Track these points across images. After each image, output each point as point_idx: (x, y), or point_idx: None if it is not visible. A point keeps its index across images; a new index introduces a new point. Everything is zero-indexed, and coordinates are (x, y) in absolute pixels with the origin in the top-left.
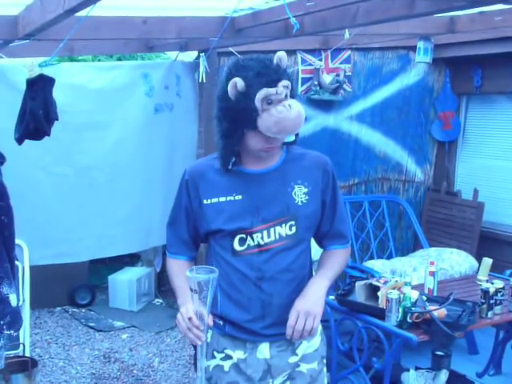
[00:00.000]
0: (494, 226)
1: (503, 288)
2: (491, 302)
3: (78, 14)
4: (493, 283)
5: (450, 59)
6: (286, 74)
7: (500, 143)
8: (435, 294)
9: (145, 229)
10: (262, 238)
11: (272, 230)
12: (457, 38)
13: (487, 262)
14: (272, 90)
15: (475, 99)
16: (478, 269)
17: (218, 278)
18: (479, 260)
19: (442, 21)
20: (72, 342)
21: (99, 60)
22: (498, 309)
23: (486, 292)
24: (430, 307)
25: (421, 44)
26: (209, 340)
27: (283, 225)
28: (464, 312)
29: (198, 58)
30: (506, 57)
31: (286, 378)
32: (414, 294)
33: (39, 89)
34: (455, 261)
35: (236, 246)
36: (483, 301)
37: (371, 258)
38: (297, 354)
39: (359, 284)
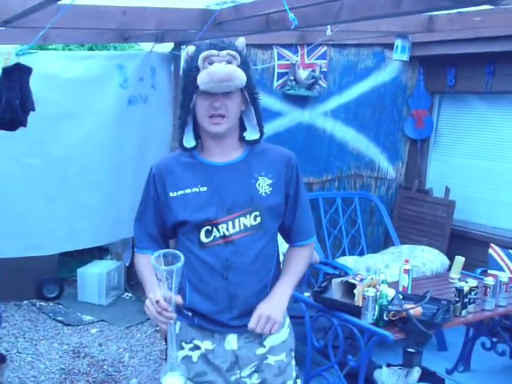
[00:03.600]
0: (465, 224)
1: (477, 287)
2: (465, 300)
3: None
4: (466, 282)
5: (424, 57)
6: (237, 50)
7: (472, 142)
8: (410, 292)
9: (114, 221)
10: (227, 228)
11: (237, 220)
12: (432, 37)
13: (460, 260)
14: (214, 52)
15: (448, 98)
16: (450, 267)
17: (183, 266)
18: (450, 258)
19: (421, 19)
20: (40, 337)
21: (70, 49)
22: (471, 307)
23: (460, 291)
24: (407, 305)
25: (398, 42)
26: (177, 331)
27: (248, 216)
28: (439, 310)
29: (174, 49)
30: (479, 57)
31: (253, 369)
32: (391, 292)
33: (16, 78)
34: (427, 258)
35: (202, 238)
36: (457, 299)
37: (343, 254)
38: (264, 346)
39: (335, 281)
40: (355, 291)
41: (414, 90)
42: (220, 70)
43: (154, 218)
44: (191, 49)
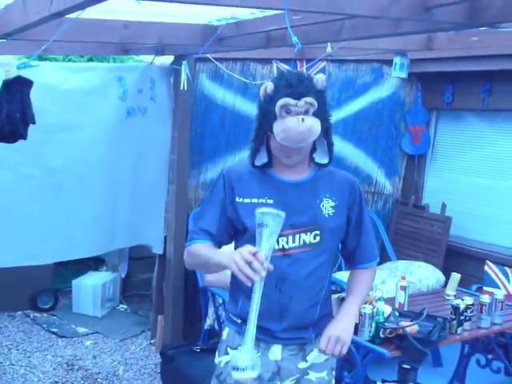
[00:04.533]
0: (461, 240)
1: (473, 304)
2: (461, 318)
3: None
4: (462, 299)
5: (422, 74)
6: (316, 93)
7: (468, 159)
8: (406, 309)
9: (110, 231)
10: (286, 242)
11: (297, 236)
12: (430, 55)
13: (456, 277)
14: (292, 101)
15: (445, 115)
16: (445, 283)
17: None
18: (446, 274)
19: (420, 38)
20: (33, 348)
21: (69, 60)
22: (467, 325)
23: (456, 308)
24: (403, 323)
25: (397, 59)
26: (225, 337)
27: (308, 233)
28: (435, 328)
29: (174, 62)
30: (477, 75)
31: (293, 382)
32: (387, 309)
33: (16, 91)
34: (423, 274)
35: None
36: (453, 317)
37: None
38: (307, 361)
39: (333, 297)
40: None
41: (412, 106)
42: (295, 129)
43: (218, 217)
44: (269, 87)
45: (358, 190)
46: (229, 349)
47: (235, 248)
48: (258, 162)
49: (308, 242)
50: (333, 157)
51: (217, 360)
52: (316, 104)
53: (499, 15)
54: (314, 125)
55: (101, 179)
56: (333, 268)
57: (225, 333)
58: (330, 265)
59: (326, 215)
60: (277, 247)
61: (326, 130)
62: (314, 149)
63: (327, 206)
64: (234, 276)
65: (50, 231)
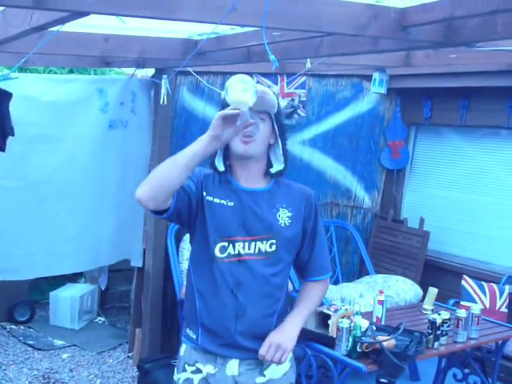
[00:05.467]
0: (439, 254)
1: (449, 319)
2: (438, 332)
3: None
4: (439, 313)
5: (401, 90)
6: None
7: (447, 174)
8: (383, 323)
9: (94, 247)
10: (243, 247)
11: (253, 243)
12: (409, 71)
13: (433, 291)
14: None
15: (424, 130)
16: (423, 297)
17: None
18: (424, 288)
19: (399, 55)
20: (9, 361)
21: (50, 71)
22: (443, 339)
23: (433, 323)
24: (380, 337)
25: (376, 75)
26: (182, 353)
27: (264, 241)
28: (412, 342)
29: (154, 76)
30: (455, 91)
31: None
32: (364, 324)
33: None
34: (401, 288)
35: (217, 252)
36: (430, 331)
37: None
38: (264, 375)
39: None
40: (329, 322)
41: (391, 121)
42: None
43: (186, 187)
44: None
45: (315, 202)
46: (186, 365)
47: (191, 252)
48: (218, 167)
49: (264, 251)
50: (288, 164)
51: (175, 377)
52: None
53: (474, 35)
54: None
55: (83, 192)
56: (288, 279)
57: (182, 349)
58: (287, 276)
59: (283, 225)
60: (233, 253)
61: (281, 129)
62: (269, 165)
63: (283, 216)
64: (187, 285)
65: (31, 246)
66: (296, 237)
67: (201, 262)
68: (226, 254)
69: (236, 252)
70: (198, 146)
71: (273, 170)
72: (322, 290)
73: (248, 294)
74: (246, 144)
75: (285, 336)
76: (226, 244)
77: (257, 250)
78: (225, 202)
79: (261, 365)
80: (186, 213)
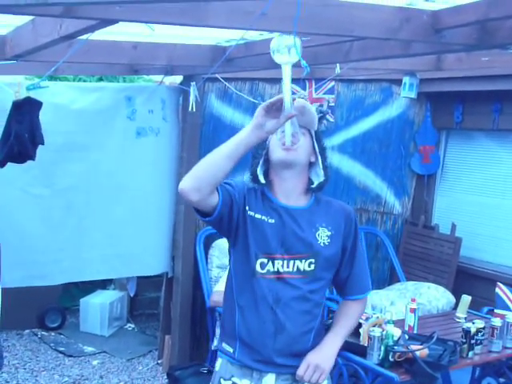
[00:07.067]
0: (471, 261)
1: (484, 328)
2: (472, 342)
3: None
4: (473, 322)
5: (431, 94)
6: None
7: (478, 179)
8: (415, 332)
9: (125, 255)
10: (281, 265)
11: (292, 262)
12: (440, 74)
13: (466, 299)
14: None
15: (455, 134)
16: (455, 304)
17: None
18: (456, 295)
19: (429, 58)
20: (41, 368)
21: (80, 79)
22: (478, 348)
23: (467, 332)
24: (413, 347)
25: (406, 79)
26: (218, 368)
27: (303, 260)
28: (445, 352)
29: (182, 83)
30: (487, 94)
31: None
32: (397, 332)
33: (26, 112)
34: (433, 296)
35: (258, 267)
36: (464, 340)
37: None
38: None
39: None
40: (361, 330)
41: (421, 125)
42: (298, 99)
43: (226, 194)
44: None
45: (354, 220)
46: (222, 380)
47: (232, 265)
48: (259, 179)
49: (302, 269)
50: (328, 178)
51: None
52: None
53: (510, 37)
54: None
55: (111, 199)
56: (325, 296)
57: (218, 364)
58: (324, 294)
59: (322, 244)
60: (272, 270)
61: (321, 148)
62: (310, 183)
63: (323, 236)
64: (226, 297)
65: (59, 252)
66: (335, 256)
67: (242, 275)
68: (265, 271)
69: (275, 269)
70: (242, 135)
71: (314, 185)
72: (360, 308)
73: (287, 310)
74: (287, 151)
75: (323, 356)
76: (265, 260)
77: (295, 269)
78: (266, 219)
79: (296, 381)
80: (227, 220)
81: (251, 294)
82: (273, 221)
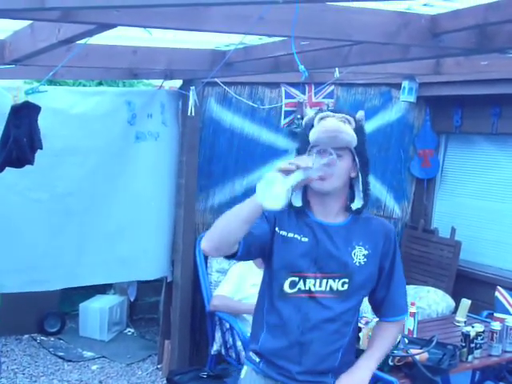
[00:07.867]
0: (471, 265)
1: (483, 332)
2: (471, 346)
3: None
4: (473, 326)
5: (431, 98)
6: (354, 117)
7: (478, 183)
8: (415, 335)
9: (125, 260)
10: (314, 284)
11: (325, 281)
12: (439, 78)
13: (466, 303)
14: (330, 113)
15: (454, 138)
16: (455, 308)
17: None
18: (455, 299)
19: (429, 62)
20: (40, 373)
21: (79, 83)
22: (477, 352)
23: (466, 336)
24: (412, 351)
25: (406, 83)
26: (243, 375)
27: (337, 280)
28: (445, 356)
29: (182, 87)
30: (485, 98)
31: None
32: None
33: (24, 116)
34: (433, 300)
35: (286, 287)
36: (464, 344)
37: None
38: None
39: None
40: (360, 334)
41: (421, 129)
42: (330, 122)
43: (256, 227)
44: (311, 112)
45: (394, 239)
46: None
47: (262, 284)
48: (294, 203)
49: (335, 289)
50: (368, 200)
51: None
52: (354, 124)
53: (508, 41)
54: (349, 127)
55: (110, 204)
56: (358, 314)
57: (243, 372)
58: (357, 312)
59: (357, 264)
60: (303, 288)
61: (363, 162)
62: (351, 198)
63: (359, 255)
64: (256, 312)
65: (59, 257)
66: (371, 276)
67: (271, 292)
68: (295, 290)
69: (307, 288)
70: (256, 201)
71: (353, 207)
72: (396, 330)
73: (314, 330)
74: (322, 181)
75: (356, 380)
76: (296, 279)
77: (328, 288)
78: (298, 237)
79: None
80: (256, 251)
81: (279, 313)
82: (306, 239)
